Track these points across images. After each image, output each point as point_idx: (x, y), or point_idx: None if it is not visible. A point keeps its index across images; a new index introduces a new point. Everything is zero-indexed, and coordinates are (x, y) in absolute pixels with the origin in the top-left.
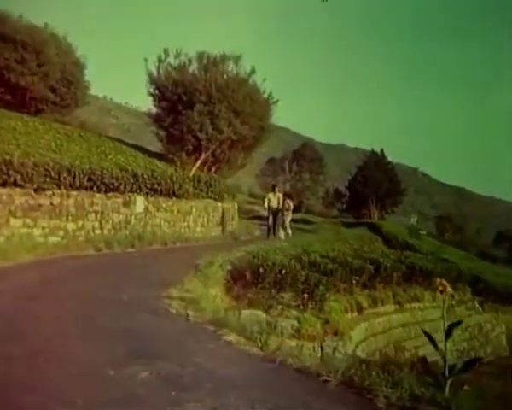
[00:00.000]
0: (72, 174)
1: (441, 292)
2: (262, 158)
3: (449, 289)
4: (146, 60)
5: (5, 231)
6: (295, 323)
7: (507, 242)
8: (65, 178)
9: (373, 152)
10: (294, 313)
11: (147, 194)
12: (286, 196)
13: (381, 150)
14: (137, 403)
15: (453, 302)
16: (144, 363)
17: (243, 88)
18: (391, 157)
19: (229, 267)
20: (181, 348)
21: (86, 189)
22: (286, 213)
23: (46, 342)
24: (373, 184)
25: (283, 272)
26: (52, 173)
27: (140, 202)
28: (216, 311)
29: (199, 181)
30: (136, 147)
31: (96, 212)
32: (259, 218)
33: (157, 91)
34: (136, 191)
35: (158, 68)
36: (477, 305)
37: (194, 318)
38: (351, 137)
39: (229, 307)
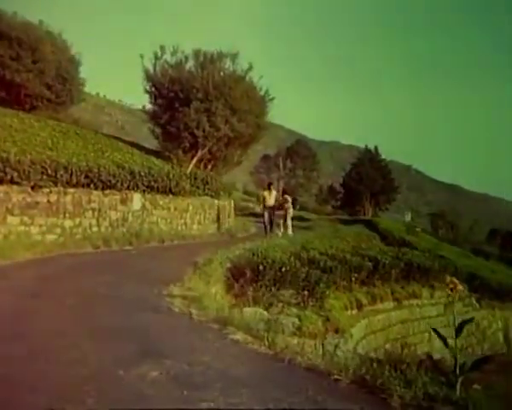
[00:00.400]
0: (69, 172)
1: (451, 290)
2: (256, 155)
3: (459, 287)
4: (142, 57)
5: (2, 229)
6: (296, 321)
7: (500, 238)
8: (62, 176)
9: (367, 149)
10: (295, 310)
11: (144, 191)
12: (285, 193)
13: (375, 147)
14: (150, 403)
15: (451, 299)
16: (152, 362)
17: (240, 85)
18: (384, 154)
19: (228, 265)
20: (188, 347)
21: (83, 186)
22: (288, 211)
23: (51, 342)
24: (367, 181)
25: (283, 269)
26: (49, 171)
27: (137, 200)
28: (219, 309)
29: (195, 178)
30: (132, 144)
31: (94, 209)
32: (255, 215)
33: (153, 89)
34: (133, 189)
35: (154, 65)
36: (474, 302)
37: (198, 316)
38: (344, 135)
39: (229, 305)
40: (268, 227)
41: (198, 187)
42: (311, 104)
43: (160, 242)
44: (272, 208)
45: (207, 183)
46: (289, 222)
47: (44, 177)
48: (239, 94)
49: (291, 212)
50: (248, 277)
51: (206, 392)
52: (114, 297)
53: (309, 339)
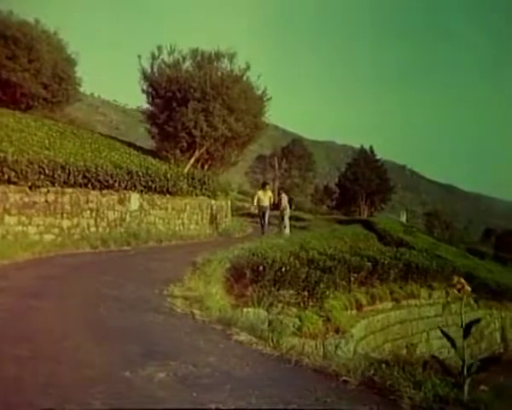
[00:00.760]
0: (67, 171)
1: (459, 290)
2: (251, 155)
3: (467, 287)
4: (139, 57)
5: (0, 229)
6: (297, 321)
7: (494, 238)
8: (59, 176)
9: (362, 149)
10: (295, 310)
11: (141, 191)
12: (284, 192)
13: (371, 147)
14: (160, 406)
15: (449, 299)
16: (159, 364)
17: (238, 85)
18: (379, 154)
19: (227, 265)
20: (192, 348)
21: (81, 186)
22: (284, 211)
23: (56, 344)
24: (363, 181)
25: (283, 269)
26: (46, 171)
27: (135, 200)
28: (222, 310)
29: (193, 178)
30: (129, 144)
31: (91, 209)
32: (251, 215)
33: (151, 89)
34: (130, 189)
35: (152, 65)
36: (472, 302)
37: (201, 317)
38: (339, 134)
39: (230, 306)
40: (264, 227)
41: (195, 187)
42: (306, 104)
43: (157, 242)
44: (266, 208)
45: (205, 183)
46: (287, 222)
47: (42, 177)
48: (236, 94)
49: (288, 211)
50: (248, 277)
51: (215, 394)
52: (116, 298)
53: (310, 339)
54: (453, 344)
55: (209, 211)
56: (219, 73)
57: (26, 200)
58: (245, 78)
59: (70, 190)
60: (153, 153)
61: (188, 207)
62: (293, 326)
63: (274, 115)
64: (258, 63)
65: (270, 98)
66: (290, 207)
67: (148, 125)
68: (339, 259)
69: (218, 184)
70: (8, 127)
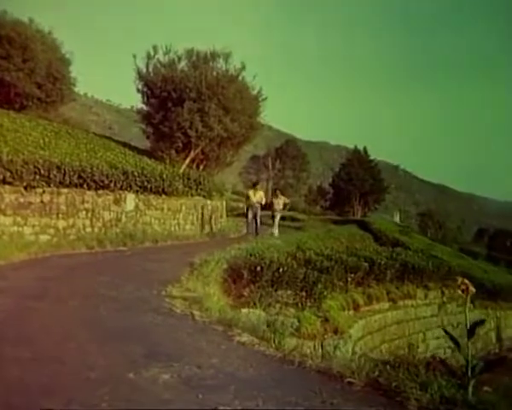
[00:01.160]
0: (62, 172)
1: (463, 291)
2: (245, 156)
3: (471, 288)
4: (134, 56)
5: None
6: (295, 321)
7: (487, 238)
8: (55, 176)
9: (356, 149)
10: (293, 311)
11: (137, 192)
12: (281, 193)
13: (364, 148)
14: (167, 408)
15: (444, 299)
16: (162, 365)
17: (233, 85)
18: (372, 154)
19: (225, 266)
20: (195, 350)
21: (76, 186)
22: (275, 212)
23: (58, 345)
24: (356, 181)
25: (280, 270)
26: (42, 171)
27: (130, 200)
28: (222, 310)
29: (188, 179)
30: (124, 144)
31: (87, 210)
32: (246, 215)
33: (146, 88)
34: (126, 189)
35: (147, 65)
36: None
37: (201, 317)
38: (333, 135)
39: (228, 307)
40: (253, 227)
41: (191, 187)
42: (300, 104)
43: (153, 242)
44: (258, 208)
45: (200, 183)
46: (277, 222)
47: (37, 177)
48: (232, 94)
49: (279, 213)
50: (246, 277)
51: (221, 395)
52: (115, 298)
53: (308, 340)
54: (457, 345)
55: (205, 211)
56: (215, 73)
57: (22, 200)
58: (240, 78)
59: (65, 190)
60: (148, 153)
61: (183, 208)
62: (292, 327)
63: (268, 116)
64: (252, 63)
65: (266, 98)
66: (284, 208)
67: (143, 125)
68: (336, 259)
69: (214, 184)
70: (3, 127)
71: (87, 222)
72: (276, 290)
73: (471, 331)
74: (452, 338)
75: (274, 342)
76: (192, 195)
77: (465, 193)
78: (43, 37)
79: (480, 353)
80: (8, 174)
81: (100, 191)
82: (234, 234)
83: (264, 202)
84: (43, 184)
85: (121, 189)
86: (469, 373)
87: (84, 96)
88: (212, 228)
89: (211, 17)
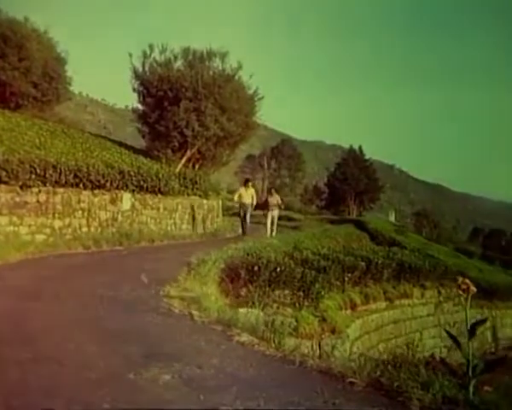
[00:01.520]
0: (58, 171)
1: (463, 291)
2: (241, 155)
3: (472, 287)
4: (130, 55)
5: None
6: (293, 321)
7: (482, 237)
8: (51, 175)
9: (351, 149)
10: (290, 311)
11: (133, 191)
12: (275, 191)
13: (359, 147)
14: (168, 408)
15: (441, 299)
16: (162, 365)
17: (229, 84)
18: (367, 154)
19: (222, 266)
20: (195, 350)
21: (72, 186)
22: (269, 212)
23: (57, 346)
24: (352, 180)
25: (278, 269)
26: (38, 170)
27: (127, 200)
28: (220, 310)
29: (184, 178)
30: (120, 144)
31: (83, 209)
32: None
33: (142, 87)
34: (122, 188)
35: (143, 64)
36: (463, 301)
37: (200, 317)
38: (328, 134)
39: (226, 307)
40: (244, 226)
41: (187, 187)
42: (295, 104)
43: (149, 242)
44: (248, 207)
45: (196, 182)
46: (275, 221)
47: (33, 176)
48: (228, 93)
49: (276, 213)
50: (243, 277)
51: (222, 396)
52: (113, 298)
53: (306, 340)
54: (458, 345)
55: (200, 211)
56: (211, 73)
57: (18, 200)
58: (237, 77)
59: (61, 189)
60: (144, 152)
61: (179, 207)
62: (290, 327)
63: (263, 115)
64: (248, 62)
65: (262, 98)
66: (280, 208)
67: (138, 125)
68: (333, 259)
69: (210, 183)
70: None
71: (83, 222)
72: (273, 290)
73: (472, 331)
74: (453, 338)
75: (274, 342)
76: (188, 194)
77: (460, 193)
78: (38, 36)
79: (476, 352)
80: (4, 173)
81: (96, 191)
82: (230, 234)
83: (255, 201)
84: (39, 183)
85: (117, 188)
86: (470, 373)
87: (78, 96)
88: (208, 228)
89: (209, 17)
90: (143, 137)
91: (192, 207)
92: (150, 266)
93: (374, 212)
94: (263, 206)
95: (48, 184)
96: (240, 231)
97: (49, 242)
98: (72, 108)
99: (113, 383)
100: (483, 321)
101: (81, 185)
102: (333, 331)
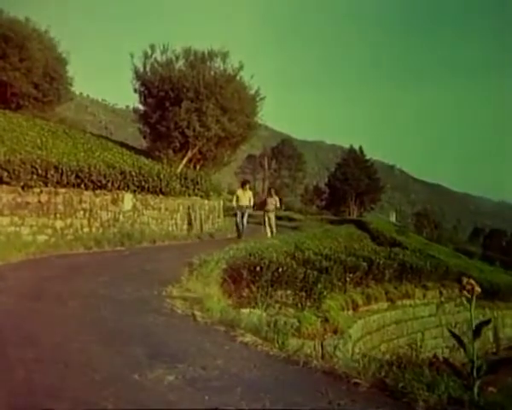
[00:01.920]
0: (60, 171)
1: (468, 291)
2: (241, 155)
3: (477, 288)
4: (132, 55)
5: None
6: (295, 322)
7: (482, 238)
8: (52, 176)
9: (352, 149)
10: (292, 311)
11: (134, 191)
12: (275, 193)
13: (360, 147)
14: (173, 409)
15: (442, 299)
16: (166, 366)
17: (231, 85)
18: (368, 154)
19: (224, 266)
20: (198, 350)
21: (74, 186)
22: (270, 211)
23: (60, 346)
24: (352, 181)
25: (280, 270)
26: (39, 171)
27: (128, 200)
28: (223, 311)
29: (186, 178)
30: (121, 144)
31: (85, 210)
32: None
33: (143, 88)
34: (123, 189)
35: (144, 64)
36: (465, 301)
37: (202, 318)
38: (328, 134)
39: (229, 307)
40: (240, 228)
41: (188, 187)
42: (295, 104)
43: (151, 242)
44: (246, 209)
45: (197, 183)
46: (272, 222)
47: (35, 177)
48: (230, 93)
49: (273, 214)
50: (245, 277)
51: (227, 396)
52: (115, 299)
53: (308, 340)
54: (462, 345)
55: (202, 211)
56: (212, 73)
57: (19, 200)
58: (238, 77)
59: (63, 190)
60: (145, 153)
61: (181, 208)
62: (292, 327)
63: (264, 115)
64: (249, 63)
65: (264, 98)
66: (281, 207)
67: (140, 125)
68: (335, 259)
69: (211, 184)
70: (0, 127)
71: (85, 222)
72: (275, 290)
73: (477, 332)
74: (458, 338)
75: (277, 342)
76: (189, 195)
77: (460, 193)
78: (39, 36)
79: (478, 352)
80: (6, 174)
81: (97, 191)
82: (231, 234)
83: (252, 203)
84: (41, 183)
85: (119, 189)
86: (474, 374)
87: (79, 96)
88: (209, 228)
89: (208, 16)
90: (144, 137)
91: (193, 208)
92: (152, 267)
93: (374, 212)
94: (261, 205)
95: (49, 185)
96: (229, 235)
97: (51, 242)
98: (73, 108)
99: (117, 384)
100: (487, 322)
101: (82, 186)
102: (335, 332)
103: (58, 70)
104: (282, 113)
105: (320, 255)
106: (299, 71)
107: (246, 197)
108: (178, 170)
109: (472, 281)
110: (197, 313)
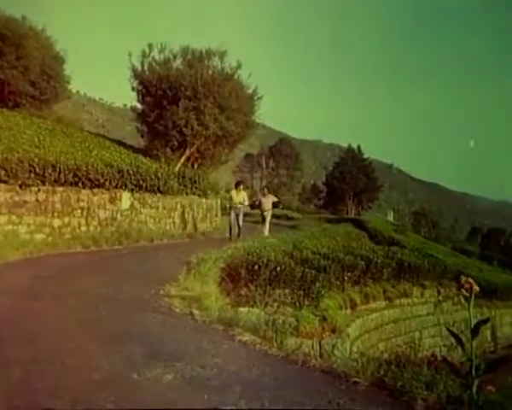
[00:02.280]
0: (58, 170)
1: (466, 290)
2: (239, 154)
3: (475, 286)
4: (130, 54)
5: None
6: (294, 320)
7: (480, 237)
8: (50, 174)
9: (350, 148)
10: (290, 310)
11: (132, 190)
12: (268, 191)
13: (358, 146)
14: (172, 408)
15: (440, 298)
16: (164, 365)
17: (229, 83)
18: (365, 153)
19: (222, 265)
20: (196, 349)
21: (71, 185)
22: (265, 212)
23: (58, 345)
24: (350, 180)
25: (278, 269)
26: (37, 169)
27: (126, 199)
28: (222, 310)
29: (183, 177)
30: (119, 143)
31: (82, 208)
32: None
33: (141, 87)
34: (121, 187)
35: (142, 63)
36: (463, 300)
37: (201, 317)
38: (326, 133)
39: (227, 306)
40: (234, 230)
41: (186, 186)
42: (293, 102)
43: (149, 241)
44: (240, 209)
45: (195, 182)
46: (267, 221)
47: (32, 175)
48: (228, 92)
49: (270, 213)
50: (243, 276)
51: (226, 395)
52: (114, 298)
53: (306, 339)
54: (461, 344)
55: (200, 210)
56: (210, 72)
57: (17, 199)
58: (236, 76)
59: (61, 188)
60: (143, 151)
61: (178, 206)
62: (290, 326)
63: (262, 114)
64: (246, 61)
65: (262, 97)
66: (278, 206)
67: (137, 124)
68: (332, 258)
69: (209, 182)
70: None
71: (82, 221)
72: (273, 289)
73: (475, 330)
74: (456, 337)
75: (276, 341)
76: (187, 193)
77: (458, 192)
78: (36, 34)
79: (476, 351)
80: (3, 173)
81: (95, 190)
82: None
83: (247, 204)
84: (38, 182)
85: (116, 187)
86: (473, 372)
87: (76, 94)
88: (206, 227)
89: (206, 15)
90: (142, 136)
91: (190, 207)
92: (150, 266)
93: (372, 211)
94: (257, 205)
95: (47, 183)
96: (227, 235)
97: (49, 241)
98: (70, 106)
99: (116, 384)
100: (486, 321)
101: (80, 184)
102: (333, 331)
103: (55, 68)
104: (279, 112)
105: (318, 254)
106: (297, 70)
107: (240, 198)
108: (176, 169)
109: (470, 280)
110: (195, 312)
